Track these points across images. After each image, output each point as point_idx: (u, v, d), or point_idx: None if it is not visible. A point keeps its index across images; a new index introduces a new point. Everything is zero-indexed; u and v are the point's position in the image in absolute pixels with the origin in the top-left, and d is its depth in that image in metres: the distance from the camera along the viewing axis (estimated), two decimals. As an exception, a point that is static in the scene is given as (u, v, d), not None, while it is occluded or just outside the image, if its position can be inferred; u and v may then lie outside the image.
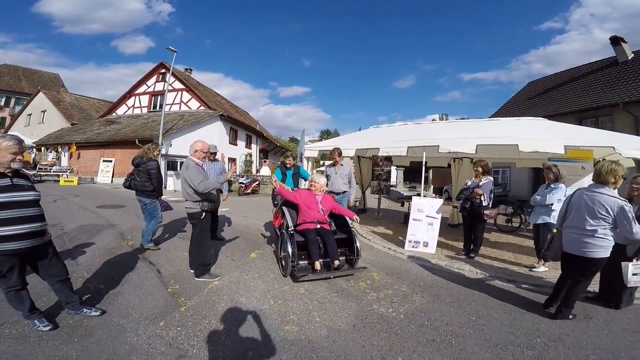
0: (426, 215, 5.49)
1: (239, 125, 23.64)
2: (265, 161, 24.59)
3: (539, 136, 4.92)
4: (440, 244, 5.70)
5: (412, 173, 21.64)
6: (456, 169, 7.72)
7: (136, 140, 16.19)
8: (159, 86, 21.47)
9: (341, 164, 5.87)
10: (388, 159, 10.63)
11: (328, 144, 8.07)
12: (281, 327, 2.83)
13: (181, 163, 16.68)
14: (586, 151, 4.93)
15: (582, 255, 2.96)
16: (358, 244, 4.10)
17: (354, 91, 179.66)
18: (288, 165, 5.81)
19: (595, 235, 2.88)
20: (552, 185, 4.46)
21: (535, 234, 4.74)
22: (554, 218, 4.37)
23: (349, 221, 4.44)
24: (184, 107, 21.19)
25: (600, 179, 2.95)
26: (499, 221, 8.06)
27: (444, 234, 6.51)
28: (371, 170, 10.37)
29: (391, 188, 18.54)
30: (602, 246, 2.88)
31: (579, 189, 3.19)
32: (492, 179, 5.14)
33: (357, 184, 10.72)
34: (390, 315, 3.11)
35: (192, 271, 3.87)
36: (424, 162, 5.94)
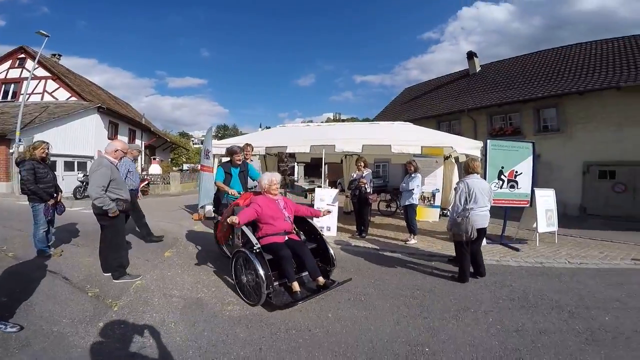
0: (327, 203, 6.45)
1: (121, 119, 20.88)
2: (154, 158, 22.46)
3: (405, 138, 6.41)
4: (339, 228, 6.75)
5: (311, 168, 23.25)
6: (347, 164, 9.05)
7: (-21, 136, 12.87)
8: (14, 73, 17.35)
9: (251, 160, 6.34)
10: (292, 156, 11.39)
11: (237, 142, 8.34)
12: (224, 309, 3.18)
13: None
14: (438, 149, 6.66)
15: (486, 226, 4.21)
16: (332, 252, 3.73)
17: (256, 86, 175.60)
18: (238, 162, 4.74)
19: (488, 209, 4.18)
20: (412, 175, 5.97)
21: (404, 214, 6.20)
22: (415, 199, 5.92)
23: (317, 226, 3.99)
24: (48, 98, 17.63)
25: (469, 171, 4.25)
26: (381, 207, 9.81)
27: (341, 219, 7.59)
28: (277, 167, 10.92)
29: (295, 183, 19.56)
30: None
31: (467, 180, 4.17)
32: (370, 171, 6.50)
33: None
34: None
35: (108, 274, 3.80)
36: (323, 159, 6.90)
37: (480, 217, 4.07)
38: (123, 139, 21.25)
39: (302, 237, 3.85)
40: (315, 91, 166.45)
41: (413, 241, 5.98)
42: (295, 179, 22.71)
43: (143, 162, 22.89)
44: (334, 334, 2.77)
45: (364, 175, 6.28)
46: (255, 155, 8.14)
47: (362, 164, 6.37)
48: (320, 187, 7.06)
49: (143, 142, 24.36)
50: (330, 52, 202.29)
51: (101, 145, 17.38)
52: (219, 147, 8.13)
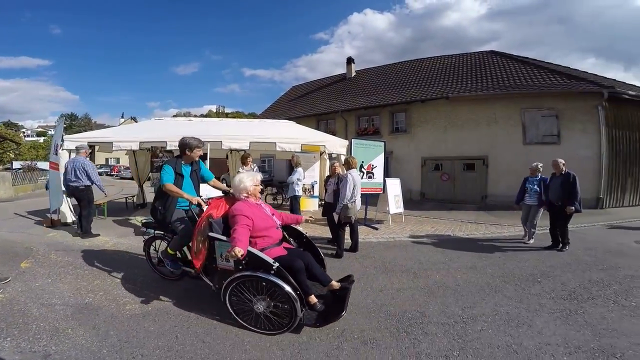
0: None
1: None
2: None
3: (288, 136, 7.06)
4: (226, 223, 6.93)
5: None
6: (233, 160, 9.14)
7: None
8: None
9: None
10: (168, 150, 10.68)
11: (99, 135, 7.41)
12: (122, 309, 3.09)
13: None
14: (316, 146, 7.55)
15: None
16: (321, 253, 3.39)
17: (121, 72, 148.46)
18: (196, 158, 3.66)
19: None
20: (295, 169, 6.68)
21: (290, 205, 6.89)
22: (298, 191, 6.66)
23: (301, 228, 3.57)
24: None
25: (352, 166, 5.11)
26: (268, 200, 10.34)
27: (228, 214, 7.78)
28: (149, 162, 10.09)
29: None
30: None
31: (352, 173, 5.06)
32: (257, 166, 6.92)
33: (132, 178, 10.18)
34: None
35: None
36: (208, 155, 6.88)
37: (359, 202, 5.17)
38: None
39: (293, 242, 3.40)
40: (196, 81, 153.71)
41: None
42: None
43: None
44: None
45: (255, 170, 6.69)
46: (122, 150, 7.45)
47: (251, 159, 6.82)
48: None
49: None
50: (220, 41, 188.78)
51: None
52: (73, 141, 6.99)
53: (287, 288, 2.58)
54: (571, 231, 7.00)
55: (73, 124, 60.03)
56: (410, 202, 11.95)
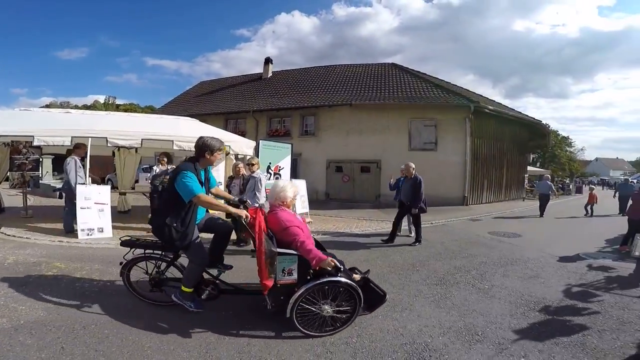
0: (95, 202, 5.74)
1: None
2: None
3: (189, 134, 6.62)
4: (116, 228, 6.14)
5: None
6: (122, 158, 8.12)
7: None
8: None
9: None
10: (36, 146, 8.91)
11: None
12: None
13: None
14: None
15: None
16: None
17: None
18: (214, 163, 3.21)
19: None
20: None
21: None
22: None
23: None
24: None
25: (253, 169, 5.24)
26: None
27: (116, 220, 6.74)
28: (9, 159, 8.24)
29: (40, 180, 14.96)
30: None
31: (261, 174, 5.22)
32: (173, 166, 6.45)
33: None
34: (105, 285, 3.69)
35: None
36: (88, 153, 6.02)
37: (266, 203, 5.26)
38: None
39: None
40: (83, 67, 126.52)
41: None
42: (40, 175, 17.40)
43: None
44: (134, 316, 2.91)
45: (169, 169, 6.17)
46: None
47: (166, 159, 6.50)
48: (84, 184, 6.06)
49: None
50: (119, 25, 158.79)
51: None
52: None
53: (351, 283, 2.76)
54: (442, 225, 8.47)
55: None
56: (317, 202, 12.57)
